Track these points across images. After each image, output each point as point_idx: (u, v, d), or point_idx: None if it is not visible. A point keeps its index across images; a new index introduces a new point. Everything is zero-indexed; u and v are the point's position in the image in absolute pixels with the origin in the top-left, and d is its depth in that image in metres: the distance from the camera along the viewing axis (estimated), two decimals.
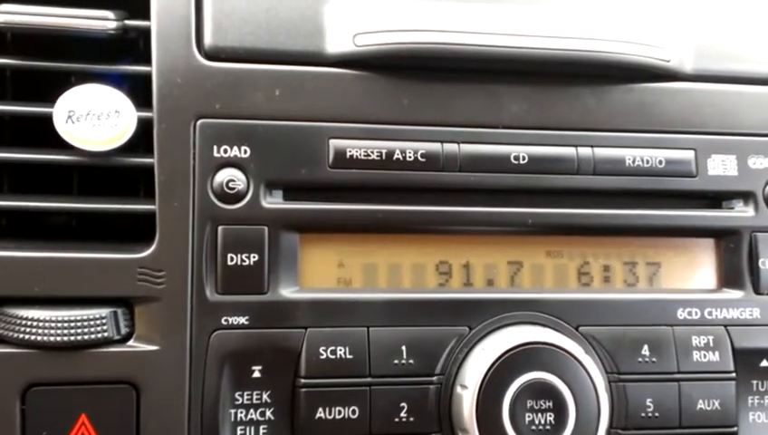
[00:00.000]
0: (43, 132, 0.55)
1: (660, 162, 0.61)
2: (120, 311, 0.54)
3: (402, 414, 0.56)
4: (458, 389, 0.56)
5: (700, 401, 0.59)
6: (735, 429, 0.60)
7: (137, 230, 0.58)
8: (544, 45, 0.59)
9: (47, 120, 0.55)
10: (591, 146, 0.61)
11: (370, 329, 0.56)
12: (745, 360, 0.61)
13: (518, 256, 0.61)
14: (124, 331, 0.54)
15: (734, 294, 0.62)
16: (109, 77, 0.57)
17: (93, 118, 0.55)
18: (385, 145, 0.58)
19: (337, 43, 0.59)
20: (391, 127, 0.58)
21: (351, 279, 0.59)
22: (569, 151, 0.60)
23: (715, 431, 0.60)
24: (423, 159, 0.58)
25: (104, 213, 0.56)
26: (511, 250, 0.61)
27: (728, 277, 0.63)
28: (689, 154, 0.62)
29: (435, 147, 0.59)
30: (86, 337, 0.52)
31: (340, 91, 0.58)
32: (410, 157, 0.58)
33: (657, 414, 0.59)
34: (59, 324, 0.52)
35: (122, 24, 0.57)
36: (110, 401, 0.53)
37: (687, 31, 0.64)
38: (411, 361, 0.56)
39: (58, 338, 0.52)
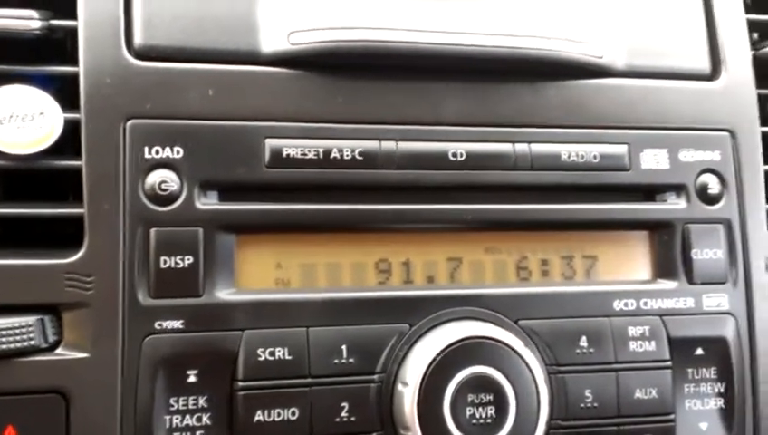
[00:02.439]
0: None
1: (595, 157, 0.62)
2: (47, 318, 0.52)
3: (343, 414, 0.55)
4: (399, 386, 0.56)
5: (637, 390, 0.60)
6: (673, 416, 0.61)
7: (65, 236, 0.56)
8: (478, 42, 0.60)
9: None
10: (528, 142, 0.61)
11: (310, 329, 0.56)
12: (681, 349, 0.62)
13: (457, 253, 0.61)
14: (52, 338, 0.52)
15: (669, 284, 0.64)
16: (35, 78, 0.56)
17: (17, 120, 0.53)
18: (322, 144, 0.58)
19: (271, 41, 0.58)
20: (328, 125, 0.58)
21: (290, 280, 0.58)
22: (506, 147, 0.61)
23: (653, 419, 0.61)
24: (360, 158, 0.58)
25: (30, 218, 0.55)
26: (450, 247, 0.61)
27: (662, 268, 0.64)
28: (623, 148, 0.63)
29: (372, 145, 0.58)
30: (11, 346, 0.51)
31: (275, 90, 0.58)
32: (348, 155, 0.58)
33: (596, 404, 0.59)
34: None
35: (48, 23, 0.56)
36: (39, 412, 0.52)
37: (618, 28, 0.65)
38: (351, 360, 0.56)
39: None
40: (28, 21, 0.55)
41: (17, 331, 0.51)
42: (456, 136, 0.60)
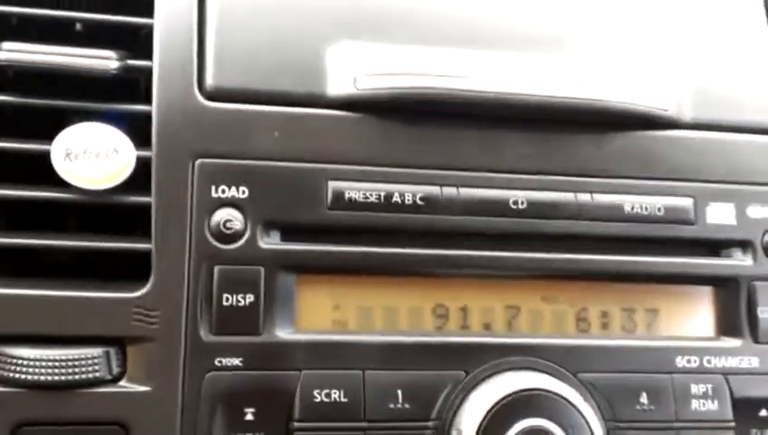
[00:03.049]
0: (43, 171, 0.55)
1: (659, 209, 0.61)
2: (112, 350, 0.53)
3: None
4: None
5: None
6: None
7: (128, 269, 0.57)
8: (542, 92, 0.60)
9: (46, 158, 0.55)
10: (591, 192, 0.61)
11: (366, 372, 0.56)
12: (744, 409, 0.61)
13: (515, 301, 0.61)
14: (116, 371, 0.53)
15: (733, 342, 0.62)
16: (109, 116, 0.57)
17: (92, 156, 0.55)
18: (384, 187, 0.58)
19: (338, 85, 0.59)
20: (390, 169, 0.58)
21: (347, 321, 0.58)
22: (568, 197, 0.60)
23: None
24: (421, 202, 0.58)
25: (101, 251, 0.56)
26: (508, 295, 0.61)
27: (727, 326, 0.63)
28: (688, 202, 0.62)
29: (434, 190, 0.59)
30: (77, 377, 0.52)
31: (340, 133, 0.58)
32: (409, 200, 0.58)
33: None
34: (50, 364, 0.51)
35: (125, 63, 0.58)
36: None
37: (686, 79, 0.64)
38: (407, 405, 0.56)
39: (49, 377, 0.51)
40: (106, 61, 0.57)
41: (84, 362, 0.52)
42: (518, 184, 0.60)
